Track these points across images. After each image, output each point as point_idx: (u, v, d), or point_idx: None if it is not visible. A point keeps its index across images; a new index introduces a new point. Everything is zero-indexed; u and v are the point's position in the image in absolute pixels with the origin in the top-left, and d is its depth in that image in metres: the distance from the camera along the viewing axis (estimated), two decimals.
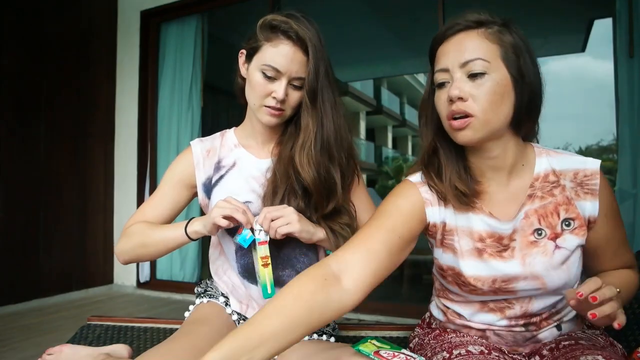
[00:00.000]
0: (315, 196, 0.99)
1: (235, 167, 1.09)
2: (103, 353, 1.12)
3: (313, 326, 0.71)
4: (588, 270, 0.89)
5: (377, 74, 10.15)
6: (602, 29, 4.23)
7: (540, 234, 0.82)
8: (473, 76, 0.76)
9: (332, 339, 1.09)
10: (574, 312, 0.87)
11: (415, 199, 0.87)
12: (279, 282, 1.04)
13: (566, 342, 0.82)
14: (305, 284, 0.73)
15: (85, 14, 3.47)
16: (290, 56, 0.96)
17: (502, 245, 0.83)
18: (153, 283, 3.52)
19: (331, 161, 1.00)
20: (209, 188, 1.09)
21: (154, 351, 0.89)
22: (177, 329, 1.02)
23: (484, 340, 0.88)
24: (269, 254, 0.96)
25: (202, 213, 1.14)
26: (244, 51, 1.04)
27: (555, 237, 0.81)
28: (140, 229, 1.05)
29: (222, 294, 1.12)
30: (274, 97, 0.98)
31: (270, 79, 0.97)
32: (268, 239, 0.96)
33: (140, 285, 3.50)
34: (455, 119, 0.78)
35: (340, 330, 1.24)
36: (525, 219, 0.83)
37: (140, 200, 3.52)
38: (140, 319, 1.49)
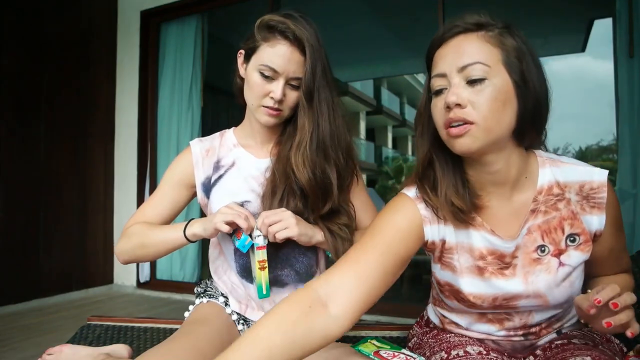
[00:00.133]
0: (311, 197, 0.99)
1: (234, 166, 1.09)
2: (103, 353, 1.12)
3: (295, 357, 0.66)
4: (585, 276, 0.87)
5: (377, 74, 10.14)
6: (602, 29, 4.22)
7: (543, 251, 0.78)
8: (472, 82, 0.71)
9: None
10: (575, 318, 0.85)
11: (413, 216, 0.81)
12: (278, 282, 1.05)
13: (559, 342, 0.82)
14: (288, 312, 0.68)
15: (85, 14, 3.47)
16: (287, 56, 0.96)
17: (503, 263, 0.79)
18: (153, 283, 3.52)
19: (327, 161, 0.99)
20: (208, 187, 1.09)
21: (154, 351, 0.89)
22: (177, 329, 1.02)
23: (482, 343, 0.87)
24: (266, 258, 0.97)
25: (202, 212, 1.14)
26: (242, 51, 1.04)
27: (559, 253, 0.77)
28: (140, 229, 1.05)
29: (222, 294, 1.12)
30: (272, 98, 0.98)
31: (268, 79, 0.97)
32: (266, 244, 0.96)
33: (140, 285, 3.50)
34: (452, 126, 0.72)
35: None
36: (528, 235, 0.78)
37: (140, 200, 3.51)
38: (140, 319, 1.49)
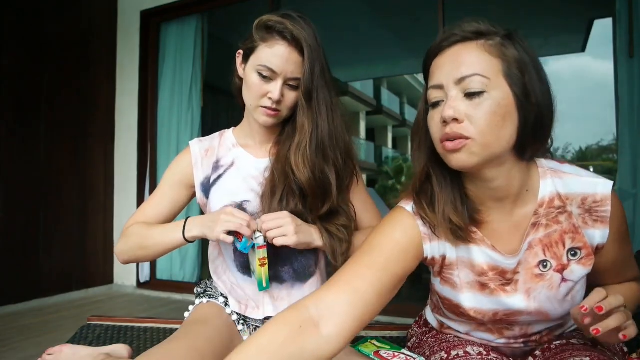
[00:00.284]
0: (310, 197, 0.99)
1: (233, 166, 1.09)
2: (103, 353, 1.12)
3: None
4: (589, 286, 0.84)
5: (377, 74, 10.13)
6: (602, 29, 4.22)
7: (545, 266, 0.75)
8: (470, 95, 0.67)
9: None
10: (576, 325, 0.84)
11: (412, 233, 0.78)
12: (277, 278, 1.06)
13: (557, 342, 0.81)
14: (276, 333, 0.65)
15: (85, 14, 3.47)
16: (285, 57, 0.96)
17: (505, 279, 0.77)
18: (153, 283, 3.52)
19: (326, 162, 0.99)
20: (207, 187, 1.09)
21: (154, 351, 0.89)
22: (177, 329, 1.02)
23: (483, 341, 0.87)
24: (267, 256, 0.98)
25: (202, 212, 1.14)
26: (241, 52, 1.04)
27: (562, 269, 0.75)
28: (139, 230, 1.05)
29: (222, 294, 1.12)
30: (270, 98, 0.98)
31: (266, 79, 0.97)
32: (266, 243, 0.97)
33: (140, 285, 3.50)
34: (449, 140, 0.69)
35: None
36: (529, 249, 0.76)
37: (140, 200, 3.51)
38: (140, 319, 1.49)
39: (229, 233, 0.94)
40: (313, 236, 0.99)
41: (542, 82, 0.70)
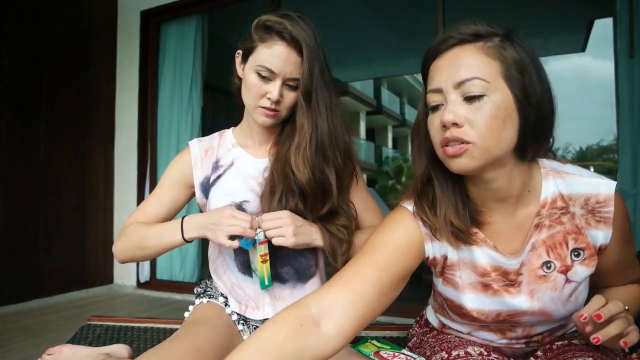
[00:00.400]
0: (310, 197, 0.99)
1: (233, 166, 1.09)
2: (103, 353, 1.12)
3: None
4: (592, 287, 0.83)
5: (377, 74, 10.14)
6: (602, 29, 4.22)
7: (549, 267, 0.74)
8: (470, 99, 0.67)
9: None
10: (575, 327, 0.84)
11: (413, 233, 0.78)
12: (279, 278, 1.06)
13: (559, 343, 0.81)
14: (277, 333, 0.65)
15: (85, 14, 3.47)
16: (284, 57, 0.95)
17: (508, 280, 0.77)
18: (153, 283, 3.52)
19: (326, 162, 0.99)
20: (206, 187, 1.09)
21: (154, 351, 0.89)
22: (177, 329, 1.02)
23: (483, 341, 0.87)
24: (268, 252, 0.98)
25: (201, 212, 1.14)
26: (240, 52, 1.04)
27: (566, 269, 0.74)
28: (138, 230, 1.05)
29: (222, 294, 1.12)
30: (269, 98, 0.97)
31: (265, 79, 0.97)
32: (267, 239, 0.97)
33: (140, 285, 3.50)
34: (449, 145, 0.68)
35: None
36: (532, 251, 0.75)
37: (140, 200, 3.51)
38: (140, 319, 1.49)
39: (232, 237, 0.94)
40: (312, 236, 0.99)
41: (542, 81, 0.70)
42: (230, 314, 1.08)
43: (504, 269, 0.76)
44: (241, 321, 1.08)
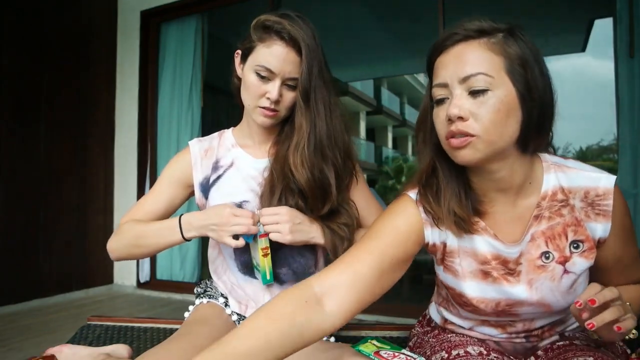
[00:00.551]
0: (310, 197, 0.99)
1: (232, 166, 1.09)
2: (103, 353, 1.12)
3: (289, 348, 0.67)
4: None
5: (377, 74, 10.14)
6: (602, 29, 4.22)
7: (548, 258, 0.76)
8: (474, 93, 0.69)
9: (332, 339, 1.09)
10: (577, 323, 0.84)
11: (414, 219, 0.80)
12: (277, 279, 1.05)
13: (560, 343, 0.81)
14: (283, 306, 0.69)
15: (85, 14, 3.47)
16: (283, 57, 0.95)
17: (507, 268, 0.78)
18: (153, 283, 3.52)
19: (325, 161, 0.99)
20: (206, 188, 1.09)
21: (154, 351, 0.89)
22: (177, 329, 1.02)
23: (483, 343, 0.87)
24: (269, 245, 0.98)
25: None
26: (239, 51, 1.04)
27: (564, 260, 0.76)
28: (133, 228, 1.05)
29: (222, 295, 1.12)
30: (268, 98, 0.97)
31: (264, 79, 0.97)
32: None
33: (140, 285, 3.50)
34: (454, 137, 0.71)
35: (340, 330, 1.24)
36: (531, 241, 0.77)
37: None
38: (140, 319, 1.49)
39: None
40: (311, 234, 0.99)
41: (543, 76, 0.72)
42: (230, 314, 1.08)
43: (504, 258, 0.78)
44: (241, 321, 1.08)
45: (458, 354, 0.81)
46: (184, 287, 3.30)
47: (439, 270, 0.85)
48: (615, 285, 0.80)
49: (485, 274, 0.79)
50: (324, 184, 0.99)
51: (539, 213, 0.77)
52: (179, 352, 0.88)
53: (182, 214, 1.02)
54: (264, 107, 0.99)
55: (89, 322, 1.44)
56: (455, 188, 0.78)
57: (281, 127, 1.08)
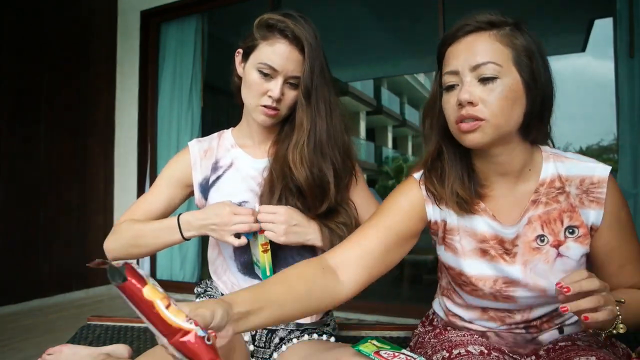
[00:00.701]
0: (309, 196, 0.99)
1: (232, 167, 1.09)
2: (103, 353, 1.12)
3: (310, 306, 0.74)
4: None
5: (377, 74, 10.14)
6: (602, 29, 4.22)
7: (543, 241, 0.80)
8: (484, 80, 0.74)
9: (332, 339, 1.09)
10: (576, 317, 0.85)
11: (416, 197, 0.86)
12: None
13: (563, 343, 0.82)
14: (307, 269, 0.77)
15: (85, 14, 3.47)
16: (286, 55, 0.96)
17: (504, 248, 0.82)
18: None
19: (324, 160, 0.99)
20: (205, 188, 1.09)
21: (154, 351, 0.89)
22: None
23: (484, 340, 0.88)
24: (269, 241, 0.99)
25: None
26: (240, 50, 1.04)
27: (558, 244, 0.79)
28: (131, 227, 1.05)
29: (222, 294, 1.12)
30: (270, 96, 0.98)
31: (267, 77, 0.97)
32: None
33: None
34: (464, 122, 0.75)
35: (340, 330, 1.24)
36: (528, 224, 0.81)
37: None
38: (140, 319, 1.48)
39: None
40: (307, 236, 0.99)
41: (545, 68, 0.77)
42: None
43: (501, 237, 0.83)
44: None
45: (459, 353, 0.81)
46: (184, 287, 3.30)
47: (440, 251, 0.89)
48: (616, 286, 0.80)
49: (484, 252, 0.83)
50: (323, 182, 0.99)
51: (536, 198, 0.81)
52: None
53: (180, 213, 1.02)
54: (265, 106, 0.99)
55: (89, 322, 1.44)
56: (459, 171, 0.84)
57: (281, 127, 1.08)
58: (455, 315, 0.92)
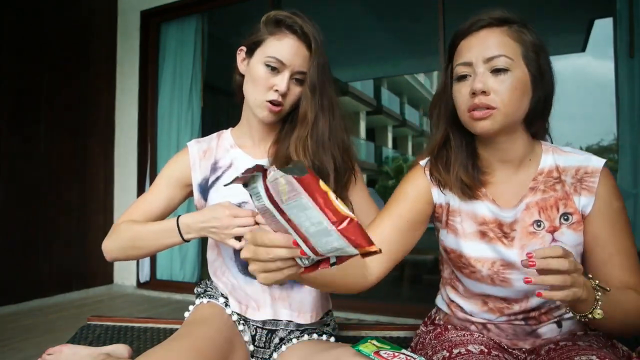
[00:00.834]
0: None
1: (231, 167, 1.09)
2: (103, 353, 1.12)
3: (347, 284, 0.80)
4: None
5: (377, 74, 10.16)
6: (602, 29, 4.22)
7: (539, 226, 0.84)
8: (496, 71, 0.79)
9: (332, 339, 1.09)
10: None
11: (421, 183, 0.93)
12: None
13: (563, 343, 0.83)
14: None
15: (85, 14, 3.47)
16: (294, 50, 0.98)
17: (502, 231, 0.86)
18: (153, 283, 3.52)
19: (325, 154, 1.00)
20: (205, 189, 1.09)
21: (154, 351, 0.89)
22: (177, 329, 1.02)
23: (484, 338, 0.88)
24: None
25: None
26: (243, 48, 1.05)
27: (553, 230, 0.83)
28: (130, 228, 1.04)
29: (222, 295, 1.12)
30: (276, 90, 0.98)
31: (274, 71, 0.98)
32: None
33: (140, 285, 3.50)
34: (476, 110, 0.80)
35: (340, 330, 1.24)
36: (526, 210, 0.85)
37: None
38: (140, 319, 1.49)
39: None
40: None
41: (548, 64, 0.84)
42: (230, 314, 1.08)
43: (500, 221, 0.87)
44: (241, 321, 1.08)
45: (459, 352, 0.82)
46: (184, 287, 3.30)
47: (443, 235, 0.94)
48: (605, 276, 0.80)
49: (483, 234, 0.87)
50: (323, 174, 0.99)
51: (534, 185, 0.86)
52: (179, 352, 0.88)
53: (179, 215, 1.02)
54: (270, 101, 0.99)
55: (89, 322, 1.44)
56: (464, 159, 0.90)
57: (281, 126, 1.08)
58: (457, 305, 0.93)
